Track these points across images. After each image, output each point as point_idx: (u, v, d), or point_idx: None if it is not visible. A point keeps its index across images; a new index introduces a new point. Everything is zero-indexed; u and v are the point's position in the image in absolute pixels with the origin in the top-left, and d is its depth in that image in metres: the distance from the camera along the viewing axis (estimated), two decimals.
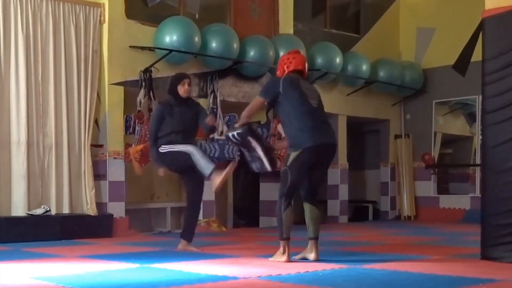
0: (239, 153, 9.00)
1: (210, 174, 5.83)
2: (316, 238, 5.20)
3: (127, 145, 8.09)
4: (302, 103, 5.17)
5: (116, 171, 8.04)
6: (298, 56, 5.48)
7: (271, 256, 5.26)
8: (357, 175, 11.93)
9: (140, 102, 8.13)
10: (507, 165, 4.95)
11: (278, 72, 5.42)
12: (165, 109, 6.18)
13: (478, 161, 10.52)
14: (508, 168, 4.94)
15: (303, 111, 5.13)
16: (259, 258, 5.37)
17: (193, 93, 8.85)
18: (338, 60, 10.10)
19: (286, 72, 5.33)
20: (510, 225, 4.92)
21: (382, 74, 10.92)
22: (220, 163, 8.95)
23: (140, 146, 7.90)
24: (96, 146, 7.96)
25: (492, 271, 4.54)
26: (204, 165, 5.88)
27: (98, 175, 7.93)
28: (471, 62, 10.60)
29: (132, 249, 6.34)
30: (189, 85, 6.31)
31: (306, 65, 5.51)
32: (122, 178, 8.11)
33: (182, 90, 6.23)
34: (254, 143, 5.31)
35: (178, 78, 6.32)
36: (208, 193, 8.87)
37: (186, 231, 6.19)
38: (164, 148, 6.09)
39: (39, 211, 7.27)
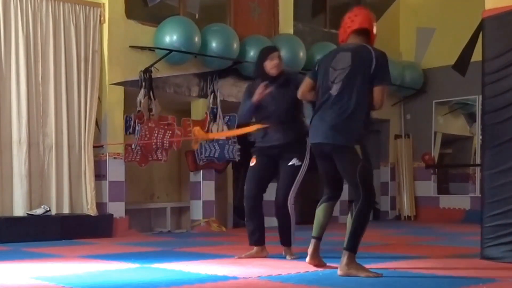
0: (239, 153, 9.01)
1: None
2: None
3: (127, 145, 8.09)
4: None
5: (116, 171, 8.04)
6: (361, 12, 4.60)
7: (271, 256, 5.25)
8: None
9: (140, 102, 8.12)
10: (507, 165, 4.94)
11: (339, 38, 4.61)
12: (249, 92, 5.35)
13: (478, 161, 10.52)
14: (508, 168, 4.94)
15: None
16: (259, 258, 5.36)
17: (193, 93, 8.85)
18: None
19: (347, 34, 4.53)
20: (510, 225, 4.92)
21: None
22: (220, 163, 8.99)
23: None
24: (96, 146, 7.96)
25: (492, 271, 4.54)
26: None
27: (98, 175, 7.93)
28: (471, 62, 10.60)
29: (132, 249, 6.34)
30: (280, 58, 5.30)
31: (372, 22, 4.55)
32: (122, 178, 8.11)
33: (269, 66, 5.26)
34: None
35: (264, 53, 5.34)
36: (208, 193, 8.91)
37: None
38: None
39: (39, 211, 7.27)
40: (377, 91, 4.32)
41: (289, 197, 5.34)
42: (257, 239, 5.46)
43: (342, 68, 4.37)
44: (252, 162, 5.39)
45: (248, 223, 5.60)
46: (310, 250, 4.74)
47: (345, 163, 4.38)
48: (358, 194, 4.32)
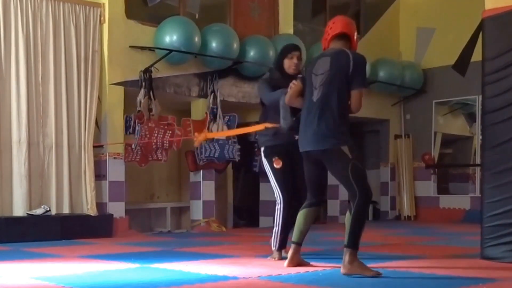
0: (239, 153, 9.02)
1: None
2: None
3: (127, 145, 8.09)
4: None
5: (116, 171, 8.04)
6: (339, 18, 4.66)
7: (268, 256, 5.25)
8: None
9: (140, 102, 8.12)
10: (507, 165, 4.95)
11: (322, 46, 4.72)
12: (267, 83, 5.32)
13: (478, 161, 10.52)
14: (508, 168, 4.94)
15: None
16: (259, 258, 5.36)
17: (193, 93, 8.86)
18: None
19: (327, 41, 4.65)
20: (510, 225, 4.92)
21: (382, 74, 10.92)
22: (220, 163, 8.99)
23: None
24: (96, 146, 7.96)
25: (492, 271, 4.54)
26: None
27: (98, 175, 7.93)
28: (471, 62, 10.60)
29: (132, 249, 6.34)
30: (299, 59, 5.34)
31: (351, 27, 4.62)
32: (122, 178, 8.11)
33: (288, 64, 5.28)
34: None
35: (285, 51, 5.36)
36: (208, 193, 8.91)
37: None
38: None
39: (39, 211, 7.27)
40: (354, 95, 4.42)
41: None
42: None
43: (321, 73, 4.50)
44: (278, 165, 5.20)
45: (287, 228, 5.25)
46: (289, 254, 4.76)
47: (336, 166, 4.45)
48: (354, 193, 4.36)
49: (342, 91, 4.42)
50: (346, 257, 4.30)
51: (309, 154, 4.55)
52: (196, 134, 6.48)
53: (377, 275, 4.27)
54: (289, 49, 5.38)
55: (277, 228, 5.22)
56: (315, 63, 4.62)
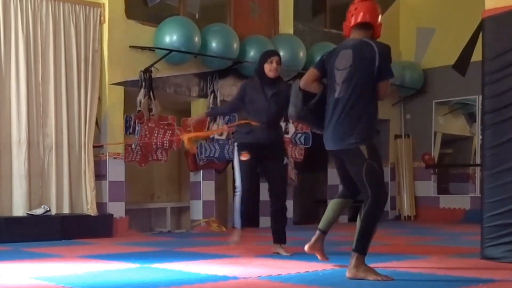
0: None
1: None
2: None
3: (127, 145, 8.09)
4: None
5: (116, 171, 8.04)
6: (361, 5, 4.39)
7: (271, 256, 5.25)
8: None
9: (140, 102, 8.13)
10: (507, 165, 4.95)
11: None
12: (247, 86, 5.71)
13: (478, 161, 10.52)
14: (508, 168, 4.94)
15: None
16: (259, 258, 5.37)
17: (193, 93, 8.86)
18: None
19: (349, 29, 4.44)
20: (510, 225, 4.92)
21: None
22: (220, 163, 8.99)
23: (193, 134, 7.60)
24: (96, 146, 7.96)
25: (492, 271, 4.54)
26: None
27: (98, 175, 7.93)
28: (471, 62, 10.60)
29: (132, 249, 6.34)
30: (278, 63, 5.58)
31: (375, 14, 4.37)
32: (122, 178, 8.11)
33: (268, 68, 5.57)
34: None
35: (265, 56, 5.65)
36: (208, 193, 8.91)
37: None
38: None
39: (39, 211, 7.27)
40: (382, 85, 4.24)
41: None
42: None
43: (343, 68, 4.29)
44: (245, 157, 5.49)
45: (245, 210, 5.68)
46: (312, 239, 4.70)
47: (351, 164, 4.31)
48: (366, 194, 4.21)
49: (366, 86, 4.23)
50: (353, 261, 4.20)
51: (331, 152, 4.46)
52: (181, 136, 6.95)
53: (387, 279, 4.13)
54: (268, 54, 5.66)
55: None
56: (336, 55, 4.37)
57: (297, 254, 5.34)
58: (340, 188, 4.74)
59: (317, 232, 4.70)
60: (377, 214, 4.21)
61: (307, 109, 4.43)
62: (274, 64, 5.51)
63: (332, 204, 4.69)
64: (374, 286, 4.01)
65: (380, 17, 4.39)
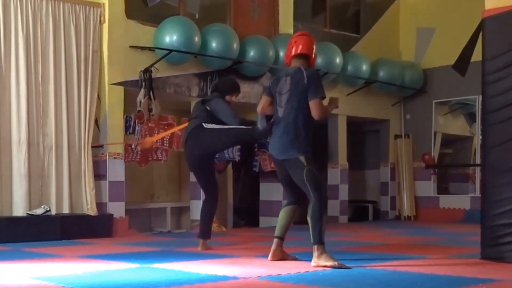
0: (239, 153, 9.02)
1: None
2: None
3: (127, 145, 8.09)
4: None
5: (116, 171, 8.04)
6: (300, 39, 5.19)
7: (268, 256, 5.26)
8: (357, 175, 11.93)
9: (140, 102, 8.12)
10: (507, 165, 4.95)
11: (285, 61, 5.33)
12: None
13: (478, 161, 10.52)
14: (508, 168, 4.94)
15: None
16: (259, 258, 5.37)
17: (193, 93, 8.87)
18: (338, 60, 10.10)
19: (289, 59, 5.22)
20: (510, 225, 4.92)
21: (382, 74, 10.92)
22: (220, 163, 8.98)
23: (160, 136, 7.87)
24: (96, 146, 7.96)
25: (492, 271, 4.54)
26: None
27: (98, 175, 7.93)
28: (471, 62, 10.60)
29: (132, 249, 6.34)
30: (236, 97, 6.48)
31: (310, 47, 5.19)
32: (122, 178, 8.11)
33: (228, 99, 6.30)
34: None
35: (234, 90, 6.39)
36: None
37: None
38: None
39: (39, 211, 7.28)
40: (312, 104, 4.94)
41: None
42: None
43: (284, 92, 5.08)
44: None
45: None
46: (272, 248, 5.20)
47: (294, 172, 5.02)
48: (309, 195, 4.92)
49: (302, 106, 4.97)
50: (315, 253, 4.83)
51: (276, 160, 5.17)
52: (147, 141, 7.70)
53: (343, 266, 4.71)
54: (236, 89, 6.38)
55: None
56: (279, 81, 5.15)
57: (297, 254, 5.33)
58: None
59: (275, 240, 5.20)
60: (321, 208, 4.89)
61: (270, 124, 5.25)
62: (234, 98, 6.35)
63: (283, 213, 5.25)
64: (374, 286, 4.02)
65: (314, 49, 5.19)
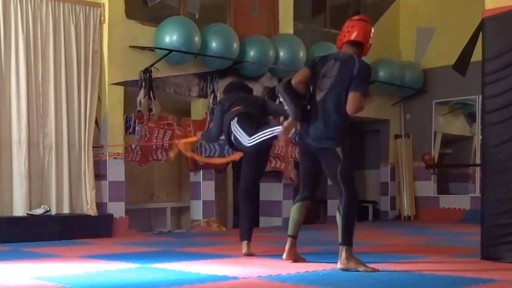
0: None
1: None
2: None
3: (127, 145, 8.09)
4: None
5: (116, 171, 8.04)
6: (358, 25, 4.75)
7: (271, 256, 5.25)
8: (357, 175, 11.90)
9: (140, 102, 8.13)
10: (507, 165, 4.95)
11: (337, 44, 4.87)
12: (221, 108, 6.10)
13: (478, 161, 10.52)
14: (508, 168, 4.94)
15: None
16: (259, 258, 5.37)
17: (193, 93, 8.87)
18: None
19: (342, 43, 4.78)
20: (510, 225, 4.93)
21: (382, 74, 10.92)
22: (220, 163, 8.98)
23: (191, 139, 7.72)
24: (96, 146, 7.96)
25: (492, 271, 4.55)
26: None
27: (98, 175, 7.93)
28: (471, 62, 10.59)
29: (132, 249, 6.34)
30: None
31: (367, 36, 4.75)
32: (122, 178, 8.11)
33: None
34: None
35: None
36: (208, 193, 8.91)
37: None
38: None
39: (39, 211, 7.27)
40: (351, 96, 4.59)
41: None
42: None
43: (330, 76, 4.69)
44: None
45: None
46: (286, 247, 5.01)
47: (327, 162, 4.72)
48: (340, 191, 4.63)
49: (344, 96, 4.61)
50: (343, 254, 4.56)
51: (307, 146, 4.80)
52: (180, 143, 7.44)
53: (373, 271, 4.50)
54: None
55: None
56: (325, 63, 4.76)
57: (298, 254, 5.32)
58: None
59: (289, 239, 5.00)
60: (354, 207, 4.62)
61: (302, 107, 4.79)
62: None
63: (295, 210, 5.01)
64: (374, 286, 4.02)
65: (371, 38, 4.78)
